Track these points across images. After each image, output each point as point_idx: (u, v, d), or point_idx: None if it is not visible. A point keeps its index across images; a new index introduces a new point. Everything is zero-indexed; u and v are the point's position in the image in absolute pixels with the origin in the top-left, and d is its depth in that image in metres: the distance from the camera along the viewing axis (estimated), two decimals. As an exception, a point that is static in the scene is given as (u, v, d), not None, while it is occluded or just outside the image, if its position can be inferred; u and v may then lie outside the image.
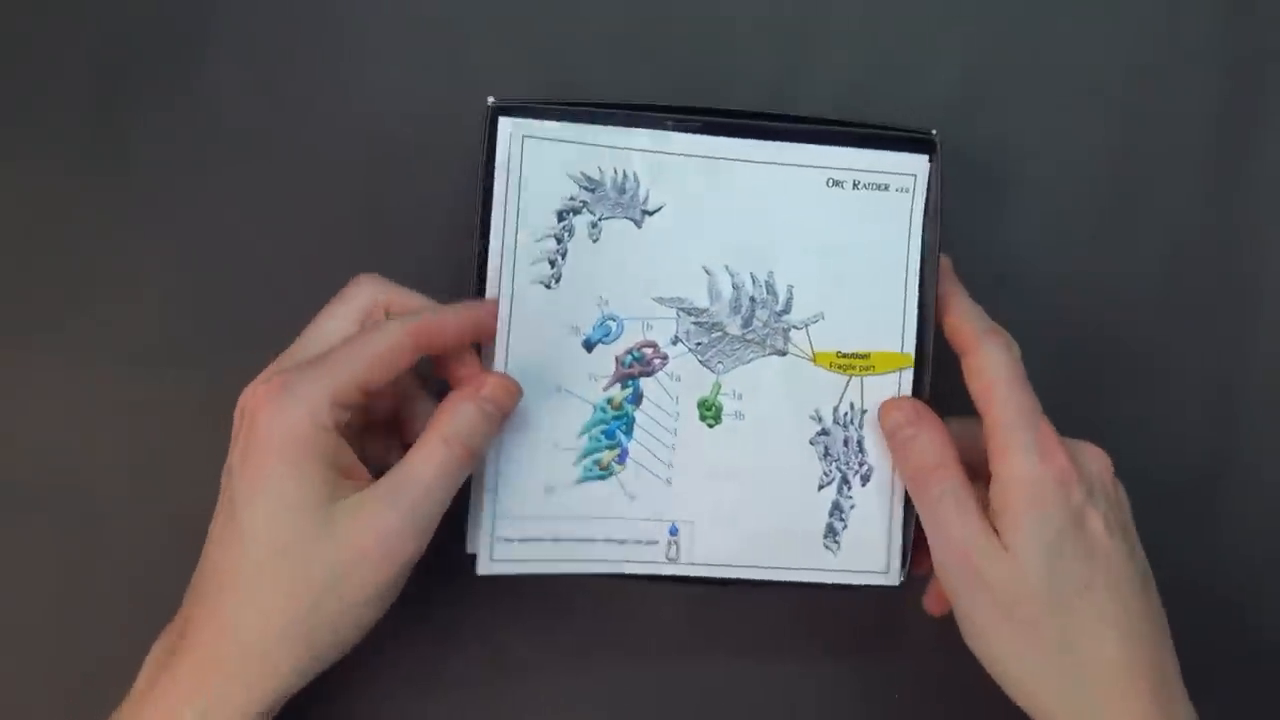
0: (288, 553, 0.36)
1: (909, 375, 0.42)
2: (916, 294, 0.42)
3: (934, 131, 0.42)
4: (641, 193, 0.41)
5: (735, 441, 0.42)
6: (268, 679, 0.36)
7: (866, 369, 0.42)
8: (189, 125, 0.48)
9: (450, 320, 0.39)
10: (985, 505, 0.39)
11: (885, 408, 0.42)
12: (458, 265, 0.42)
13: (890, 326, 0.42)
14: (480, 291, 0.41)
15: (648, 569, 0.42)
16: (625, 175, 0.41)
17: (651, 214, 0.41)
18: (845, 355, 0.42)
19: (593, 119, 0.41)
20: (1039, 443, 0.38)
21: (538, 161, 0.40)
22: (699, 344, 0.42)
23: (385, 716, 0.46)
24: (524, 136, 0.40)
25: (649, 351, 0.42)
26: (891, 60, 0.48)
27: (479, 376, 0.39)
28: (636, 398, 0.42)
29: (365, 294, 0.40)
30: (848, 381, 0.42)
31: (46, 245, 0.47)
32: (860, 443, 0.42)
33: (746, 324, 0.42)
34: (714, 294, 0.42)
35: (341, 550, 0.36)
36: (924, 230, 0.42)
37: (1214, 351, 0.49)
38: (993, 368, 0.39)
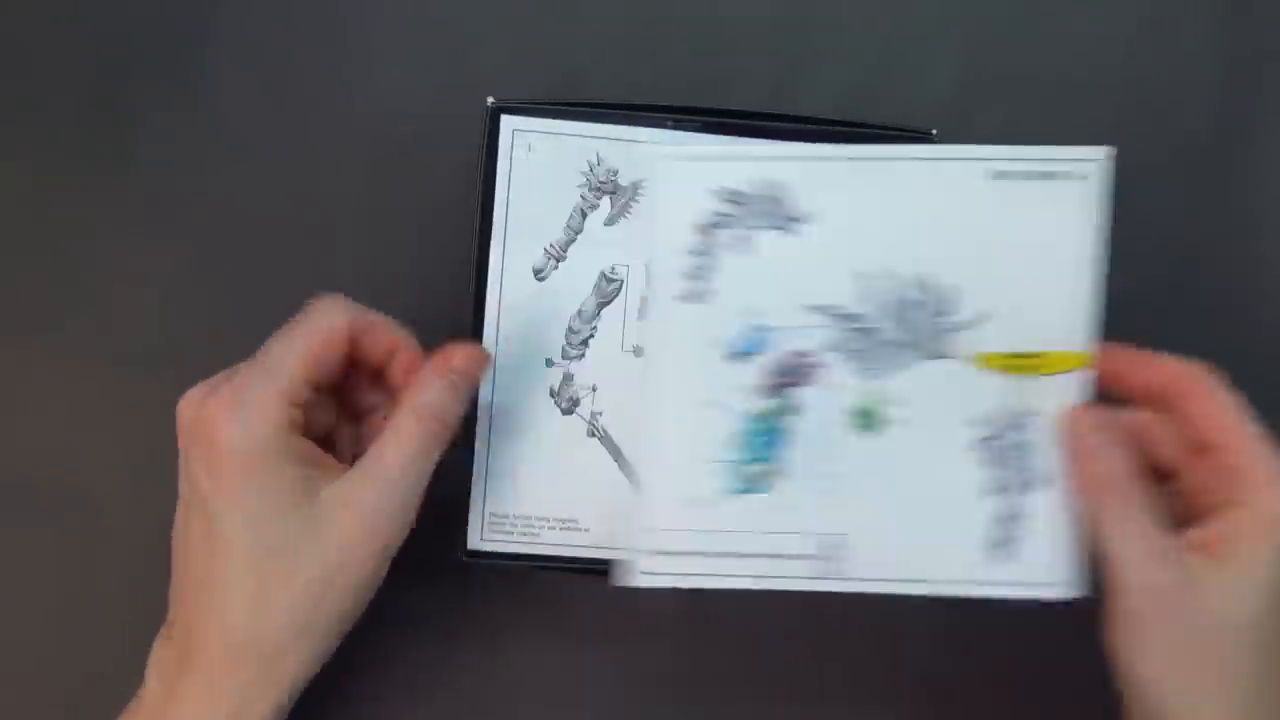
0: (280, 553, 0.36)
1: (1086, 376, 0.40)
2: (1096, 289, 0.40)
3: (934, 131, 0.41)
4: (791, 201, 0.40)
5: (895, 449, 0.40)
6: (286, 675, 0.37)
7: (1036, 369, 0.40)
8: (189, 125, 0.47)
9: (382, 326, 0.39)
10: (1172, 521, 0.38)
11: (1073, 414, 0.40)
12: (460, 264, 0.42)
13: (1064, 324, 0.40)
14: (479, 293, 0.42)
15: (805, 585, 0.41)
16: (773, 185, 0.40)
17: (802, 222, 0.40)
18: (1013, 356, 0.40)
19: (592, 118, 0.42)
20: None
21: (677, 178, 0.40)
22: (855, 351, 0.40)
23: (384, 716, 0.46)
24: (660, 157, 0.40)
25: (802, 361, 0.41)
26: (891, 60, 0.48)
27: (444, 352, 0.39)
28: (790, 408, 0.40)
29: (326, 319, 0.39)
30: (1015, 383, 0.40)
31: (47, 245, 0.47)
32: (1031, 447, 0.40)
33: (905, 328, 0.40)
34: (869, 299, 0.40)
35: (330, 540, 0.36)
36: (1101, 221, 0.39)
37: (1214, 351, 0.49)
38: (1225, 405, 0.38)
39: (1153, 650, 0.37)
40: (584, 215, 0.42)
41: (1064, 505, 0.40)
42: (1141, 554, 0.37)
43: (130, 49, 0.48)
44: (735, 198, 0.40)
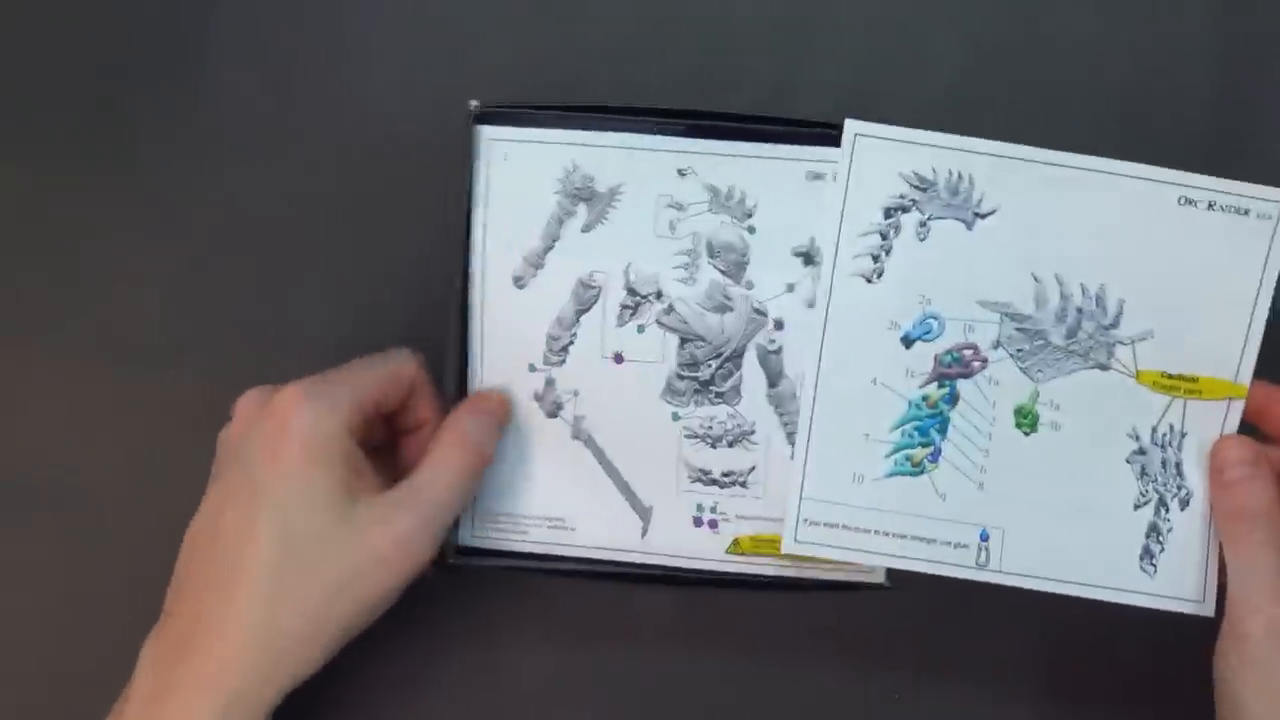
0: (306, 550, 0.37)
1: (1239, 406, 0.41)
2: (1263, 326, 0.41)
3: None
4: (976, 194, 0.41)
5: (1050, 451, 0.42)
6: (284, 674, 0.37)
7: (1193, 393, 0.41)
8: (190, 125, 0.48)
9: (429, 397, 0.42)
10: None
11: (1224, 443, 0.41)
12: (449, 268, 0.42)
13: (1225, 354, 0.41)
14: (463, 301, 0.42)
15: (958, 572, 0.42)
16: (960, 176, 0.41)
17: (984, 216, 0.41)
18: (1172, 376, 0.41)
19: (575, 122, 0.42)
20: None
21: (871, 158, 0.41)
22: (1020, 350, 0.41)
23: (379, 713, 0.46)
24: (856, 135, 0.41)
25: (969, 353, 0.42)
26: (891, 60, 0.48)
27: (478, 395, 0.42)
28: (953, 398, 0.42)
29: (400, 360, 0.41)
30: (1169, 403, 0.41)
31: (47, 245, 0.47)
32: (1179, 466, 0.42)
33: (1071, 335, 0.41)
34: (1041, 301, 0.41)
35: (360, 550, 0.37)
36: (1278, 260, 0.41)
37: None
38: None
39: (1260, 683, 0.38)
40: (561, 222, 0.42)
41: (1204, 527, 0.42)
42: (1266, 587, 0.38)
43: (130, 49, 0.48)
44: (923, 183, 0.41)
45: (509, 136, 0.42)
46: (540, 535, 0.44)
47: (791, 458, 0.42)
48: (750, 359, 0.43)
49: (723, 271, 0.43)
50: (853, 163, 0.41)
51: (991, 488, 0.42)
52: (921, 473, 0.42)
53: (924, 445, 0.42)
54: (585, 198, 0.42)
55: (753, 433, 0.43)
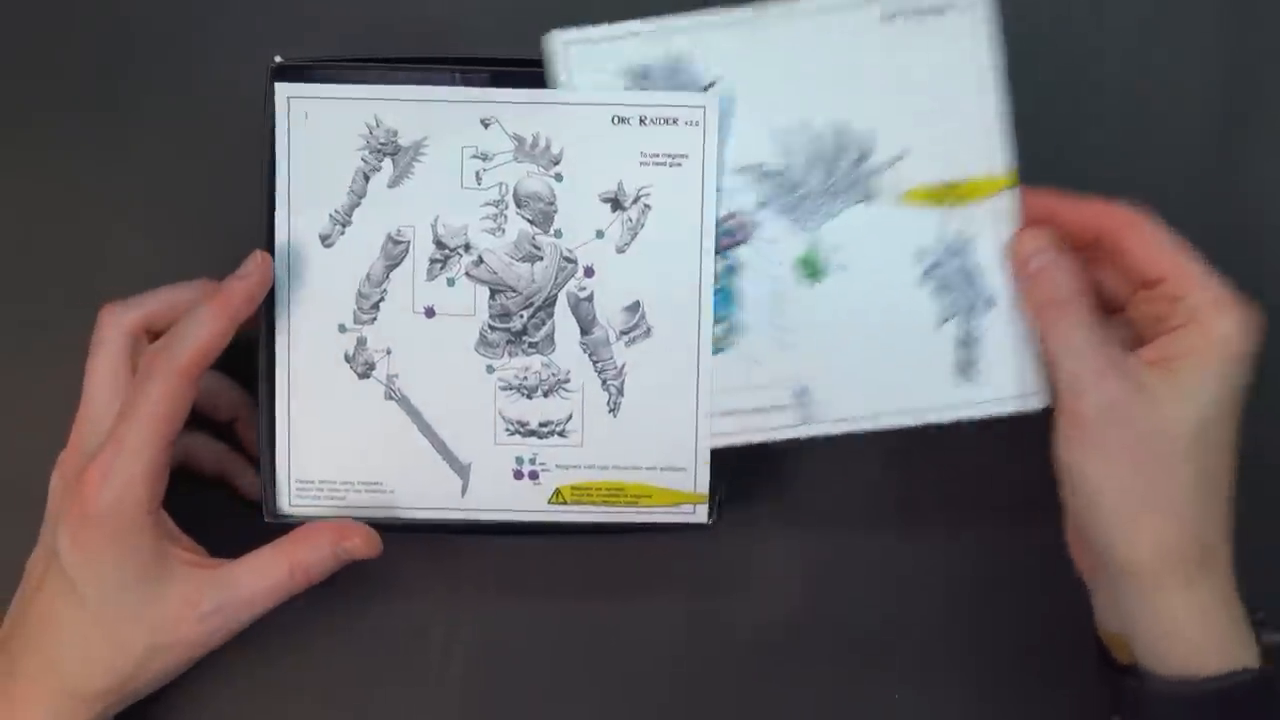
0: (120, 621, 0.39)
1: (1013, 195, 0.41)
2: (1004, 112, 0.41)
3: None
4: (694, 70, 0.41)
5: (843, 293, 0.42)
6: (96, 715, 0.40)
7: (964, 198, 0.41)
8: (190, 125, 0.48)
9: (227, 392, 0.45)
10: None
11: (1021, 236, 0.41)
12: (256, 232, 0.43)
13: (980, 150, 0.41)
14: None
15: (784, 433, 0.42)
16: (675, 56, 0.41)
17: (709, 88, 0.41)
18: (938, 188, 0.42)
19: (375, 78, 0.42)
20: (1245, 309, 0.39)
21: (582, 64, 0.41)
22: (784, 204, 0.42)
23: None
24: (563, 43, 0.41)
25: (735, 221, 0.42)
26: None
27: (344, 524, 0.42)
28: (735, 268, 0.42)
29: (116, 334, 0.42)
30: (945, 214, 0.42)
31: (47, 244, 0.47)
32: (975, 271, 0.42)
33: (829, 176, 0.42)
34: (789, 152, 0.42)
35: (166, 628, 0.40)
36: (994, 45, 0.41)
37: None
38: (1164, 240, 0.40)
39: (1101, 455, 0.39)
40: (366, 179, 0.42)
41: (1016, 324, 0.42)
42: (1093, 365, 0.39)
43: (131, 48, 0.48)
44: (643, 73, 0.41)
45: (309, 94, 0.42)
46: (358, 499, 0.43)
47: (608, 405, 0.43)
48: (562, 307, 0.43)
49: (530, 221, 0.42)
50: (568, 75, 0.41)
51: (795, 343, 0.42)
52: (729, 347, 0.42)
53: (720, 320, 0.42)
54: (390, 152, 0.42)
55: (568, 381, 0.43)
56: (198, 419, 0.45)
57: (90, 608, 0.39)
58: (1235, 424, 0.39)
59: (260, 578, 0.40)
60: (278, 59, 0.42)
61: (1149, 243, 0.40)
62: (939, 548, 0.48)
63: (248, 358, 0.43)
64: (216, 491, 0.46)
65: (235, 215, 0.43)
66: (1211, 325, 0.39)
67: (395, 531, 0.43)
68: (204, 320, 0.40)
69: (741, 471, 0.45)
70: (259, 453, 0.43)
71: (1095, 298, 0.40)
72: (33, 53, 0.48)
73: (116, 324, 0.42)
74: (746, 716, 0.47)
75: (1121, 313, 0.42)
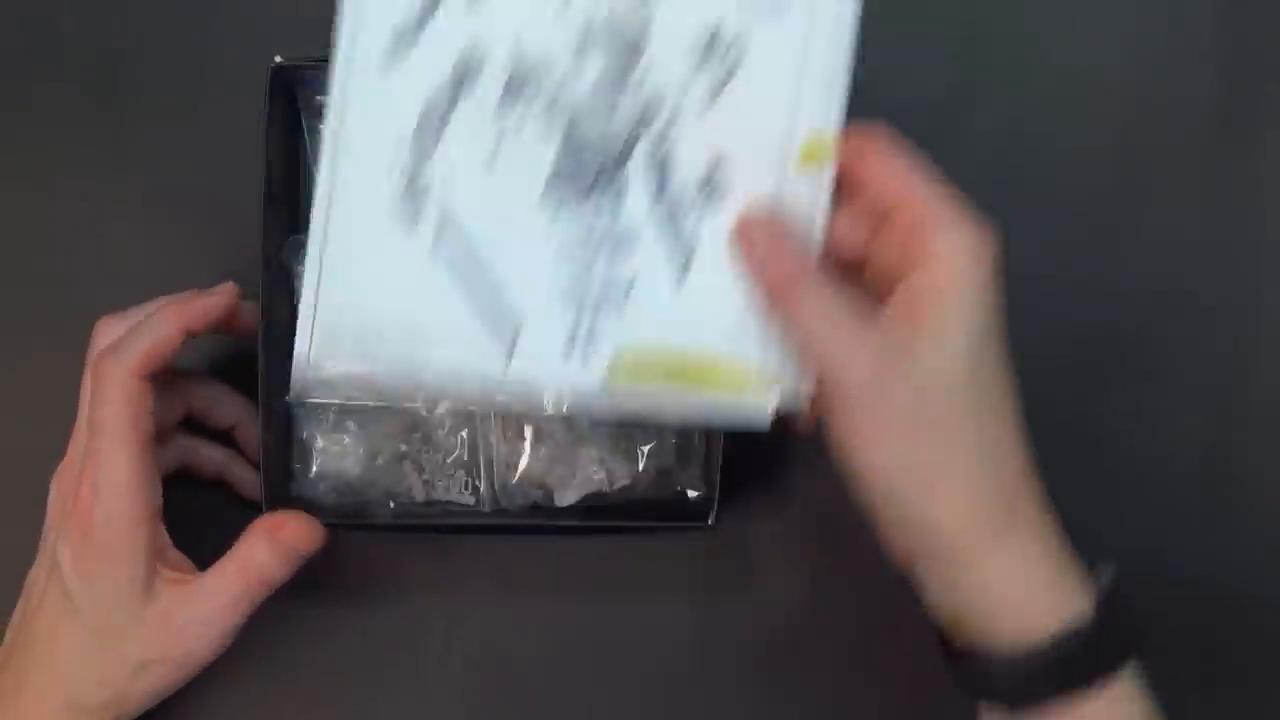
0: (113, 636, 0.40)
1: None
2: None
3: None
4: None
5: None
6: None
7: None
8: (190, 125, 0.48)
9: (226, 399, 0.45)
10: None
11: (739, 225, 0.38)
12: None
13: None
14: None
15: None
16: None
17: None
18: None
19: None
20: (975, 224, 0.35)
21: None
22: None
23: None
24: None
25: None
26: (891, 60, 0.48)
27: (277, 518, 0.41)
28: None
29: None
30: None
31: (48, 244, 0.47)
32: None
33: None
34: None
35: (151, 641, 0.40)
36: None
37: (1214, 351, 0.49)
38: (900, 163, 0.37)
39: (875, 435, 0.35)
40: None
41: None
42: (843, 343, 0.35)
43: (130, 48, 0.48)
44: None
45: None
46: (389, 367, 0.39)
47: (678, 269, 0.39)
48: (638, 160, 0.39)
49: (613, 64, 0.38)
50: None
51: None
52: None
53: None
54: None
55: (636, 240, 0.39)
56: (198, 425, 0.45)
57: (87, 622, 0.40)
58: (1003, 353, 0.36)
59: (216, 593, 0.40)
60: (278, 59, 0.41)
61: (885, 167, 0.37)
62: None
63: (248, 365, 0.43)
64: (216, 491, 0.46)
65: (235, 215, 0.43)
66: (945, 255, 0.35)
67: (396, 532, 0.43)
68: (157, 323, 0.40)
69: (741, 471, 0.45)
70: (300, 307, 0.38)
71: (833, 257, 0.37)
72: (33, 53, 0.48)
73: (111, 335, 0.42)
74: (747, 716, 0.47)
75: (865, 269, 0.38)
